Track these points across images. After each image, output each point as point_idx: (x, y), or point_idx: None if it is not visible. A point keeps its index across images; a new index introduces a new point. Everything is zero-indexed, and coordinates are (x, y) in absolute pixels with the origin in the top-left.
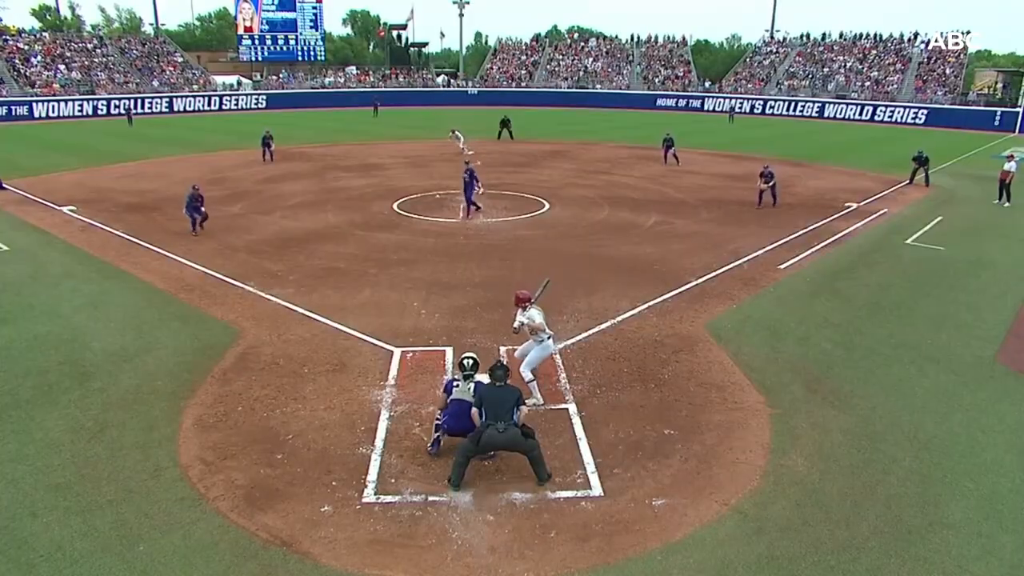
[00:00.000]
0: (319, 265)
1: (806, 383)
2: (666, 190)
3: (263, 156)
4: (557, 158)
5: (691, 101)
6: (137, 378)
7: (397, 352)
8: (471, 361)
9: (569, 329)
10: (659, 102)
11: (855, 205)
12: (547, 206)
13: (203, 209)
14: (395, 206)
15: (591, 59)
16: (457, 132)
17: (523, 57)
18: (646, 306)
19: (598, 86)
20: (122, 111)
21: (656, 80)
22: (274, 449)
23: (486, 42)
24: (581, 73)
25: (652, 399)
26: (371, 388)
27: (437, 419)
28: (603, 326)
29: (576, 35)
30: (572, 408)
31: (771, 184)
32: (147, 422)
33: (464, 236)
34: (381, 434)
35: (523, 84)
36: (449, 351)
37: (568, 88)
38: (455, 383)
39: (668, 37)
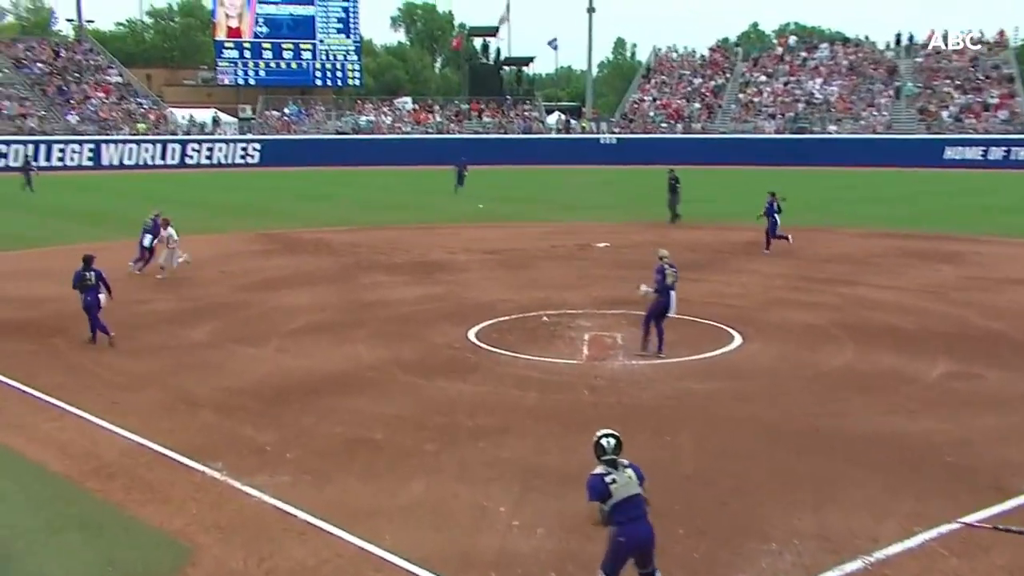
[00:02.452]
0: (339, 435)
1: None
2: (965, 314)
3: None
4: (756, 255)
5: (1016, 151)
6: None
7: None
8: (613, 440)
9: (784, 568)
10: (949, 153)
11: None
12: (738, 340)
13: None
14: (471, 334)
15: (819, 80)
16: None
17: (696, 80)
18: (934, 534)
19: (832, 127)
20: (13, 163)
21: (944, 113)
22: None
23: (633, 55)
24: (801, 105)
25: None
26: None
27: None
28: (849, 568)
29: (793, 39)
30: None
31: None
32: None
33: (590, 389)
34: None
35: (696, 126)
36: None
37: (776, 132)
38: (606, 477)
39: (965, 34)
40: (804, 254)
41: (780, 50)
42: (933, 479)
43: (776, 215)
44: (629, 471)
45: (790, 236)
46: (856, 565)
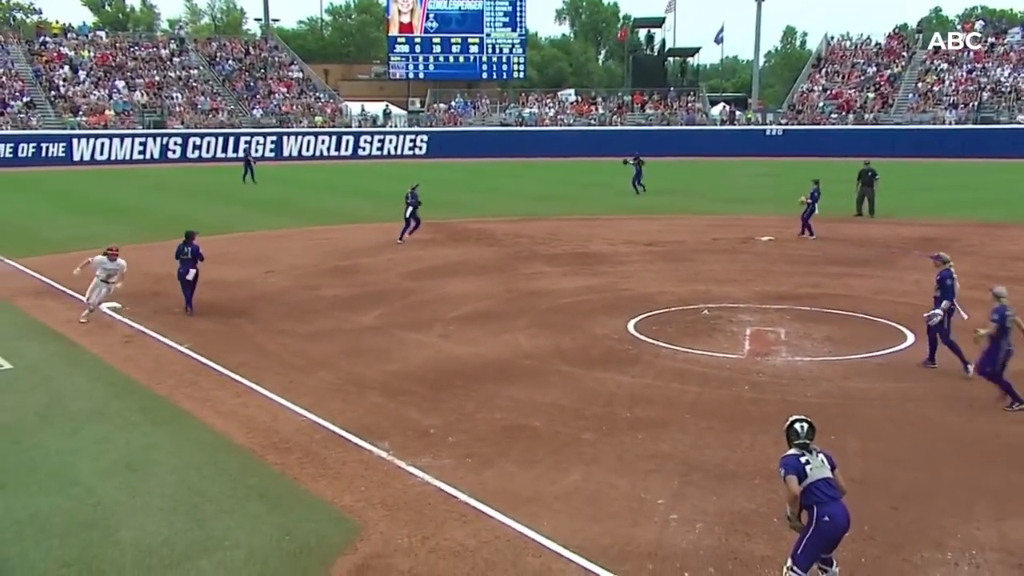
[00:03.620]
0: (499, 421)
1: None
2: None
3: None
4: (933, 250)
5: None
6: None
7: None
8: (806, 426)
9: None
10: None
11: None
12: (911, 339)
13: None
14: (631, 326)
15: (1009, 67)
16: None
17: (870, 69)
18: None
19: (1021, 117)
20: (205, 154)
21: None
22: None
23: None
24: (986, 94)
25: None
26: None
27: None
28: None
29: (978, 23)
30: None
31: None
32: None
33: (752, 385)
34: None
35: (869, 117)
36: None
37: (958, 123)
38: (801, 458)
39: None
40: (988, 251)
41: (963, 34)
42: None
43: (815, 203)
44: (821, 456)
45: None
46: None
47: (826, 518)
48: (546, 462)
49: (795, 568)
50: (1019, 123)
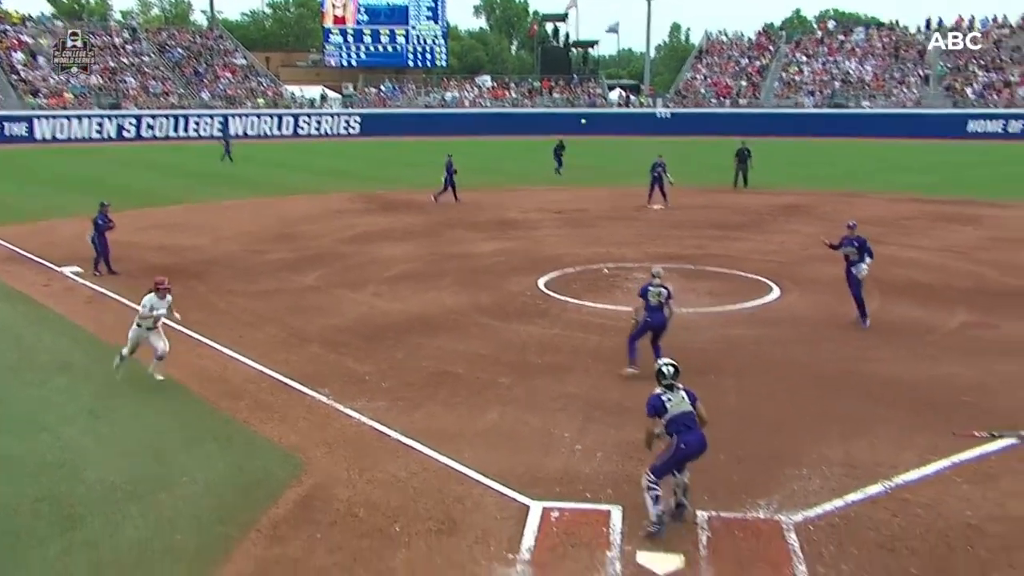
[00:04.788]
0: (426, 368)
1: None
2: (984, 271)
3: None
4: (795, 216)
5: None
6: (146, 528)
7: (536, 508)
8: (672, 368)
9: (812, 490)
10: (972, 126)
11: None
12: (777, 292)
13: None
14: (542, 284)
15: (855, 60)
16: None
17: (744, 60)
18: (949, 463)
19: (866, 103)
20: (158, 133)
21: (969, 90)
22: None
23: (687, 39)
24: (838, 84)
25: None
26: (494, 563)
27: (651, 483)
28: (871, 491)
29: (832, 24)
30: None
31: None
32: None
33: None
34: None
35: (743, 102)
36: (616, 512)
37: (816, 107)
38: (663, 396)
39: (990, 20)
40: (840, 217)
41: (820, 34)
42: (950, 417)
43: (662, 177)
44: (682, 393)
45: (657, 205)
46: (877, 489)
47: (683, 445)
48: (468, 403)
49: (650, 474)
50: (864, 108)
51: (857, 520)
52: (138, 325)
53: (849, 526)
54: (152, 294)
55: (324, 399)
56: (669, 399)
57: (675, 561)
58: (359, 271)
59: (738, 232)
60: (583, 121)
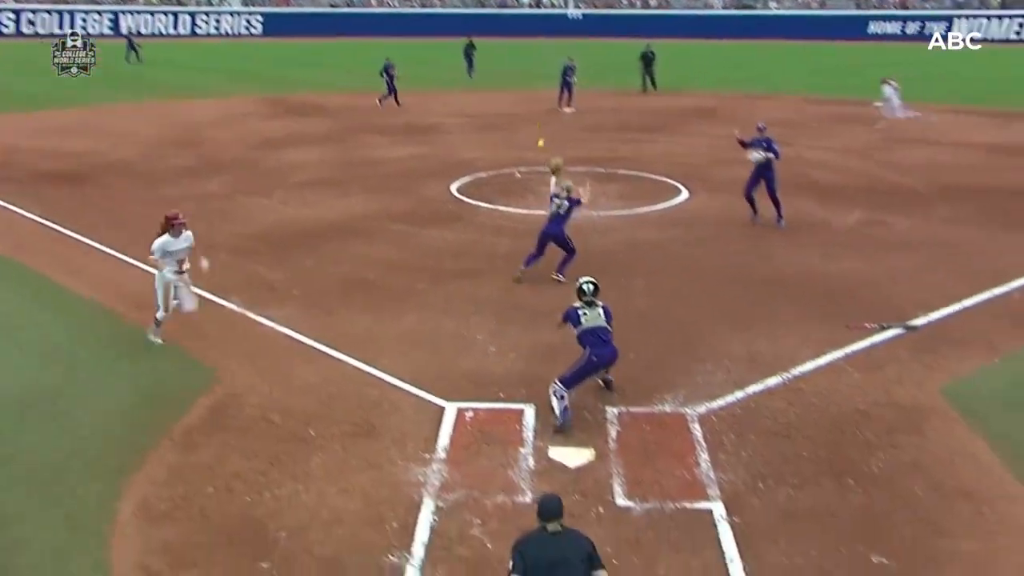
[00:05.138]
0: (338, 275)
1: None
2: (880, 171)
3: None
4: (704, 119)
5: (928, 25)
6: (58, 440)
7: (451, 409)
8: (592, 286)
9: (716, 384)
10: (873, 28)
11: None
12: (685, 194)
13: None
14: (454, 189)
15: None
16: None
17: None
18: (842, 354)
19: (773, 4)
20: (40, 30)
21: None
22: (258, 554)
23: None
24: None
25: (851, 505)
26: (410, 463)
27: (557, 390)
28: (770, 383)
29: None
30: (718, 510)
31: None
32: (66, 509)
33: None
34: (423, 535)
35: (653, 3)
36: (529, 410)
37: (724, 8)
38: (580, 310)
39: None
40: (749, 119)
41: None
42: (845, 310)
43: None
44: (599, 309)
45: (568, 108)
46: (776, 380)
47: (594, 358)
48: (382, 309)
49: (559, 383)
50: (771, 9)
51: (756, 410)
52: (159, 271)
53: (749, 416)
54: (164, 235)
55: (234, 307)
56: (585, 313)
57: (585, 455)
58: (266, 177)
59: (648, 135)
60: (575, 15)
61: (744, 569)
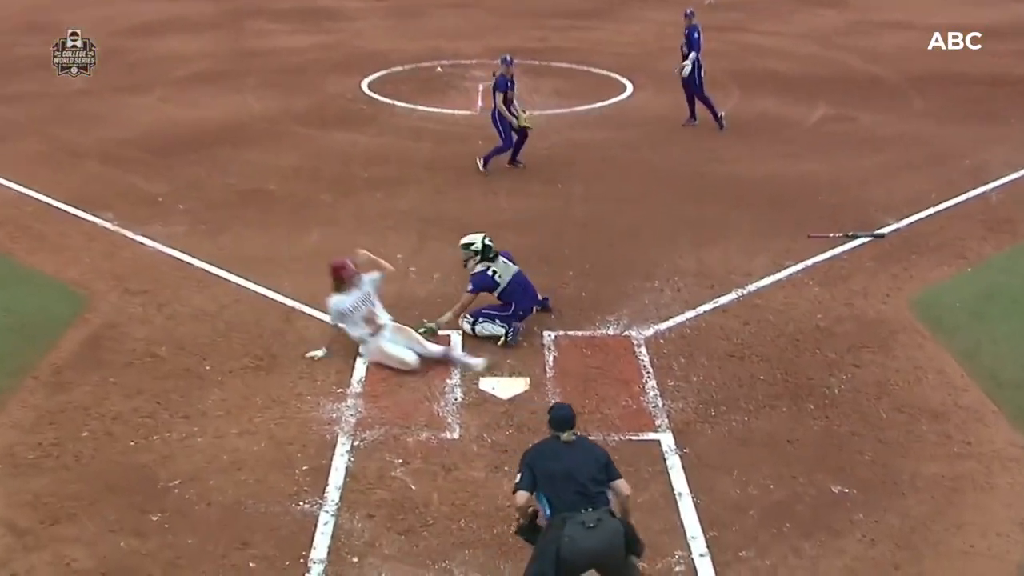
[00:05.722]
0: (232, 186)
1: None
2: (846, 58)
3: None
4: (650, 2)
5: None
6: None
7: None
8: (488, 244)
9: (663, 303)
10: None
11: None
12: (629, 88)
13: None
14: (365, 85)
15: None
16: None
17: None
18: (801, 267)
19: None
20: None
21: None
22: (147, 505)
23: None
24: None
25: (810, 430)
26: (321, 398)
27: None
28: (723, 300)
29: None
30: (666, 440)
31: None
32: None
33: (484, 140)
34: (337, 478)
35: None
36: (457, 337)
37: None
38: (488, 271)
39: None
40: (699, 3)
41: None
42: (805, 217)
43: None
44: (502, 258)
45: None
46: (731, 297)
47: (520, 312)
48: (284, 224)
49: (465, 318)
50: None
51: (708, 330)
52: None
53: (700, 337)
54: (335, 294)
55: (108, 225)
56: (495, 271)
57: (519, 385)
58: (142, 71)
59: (588, 21)
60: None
61: (695, 503)
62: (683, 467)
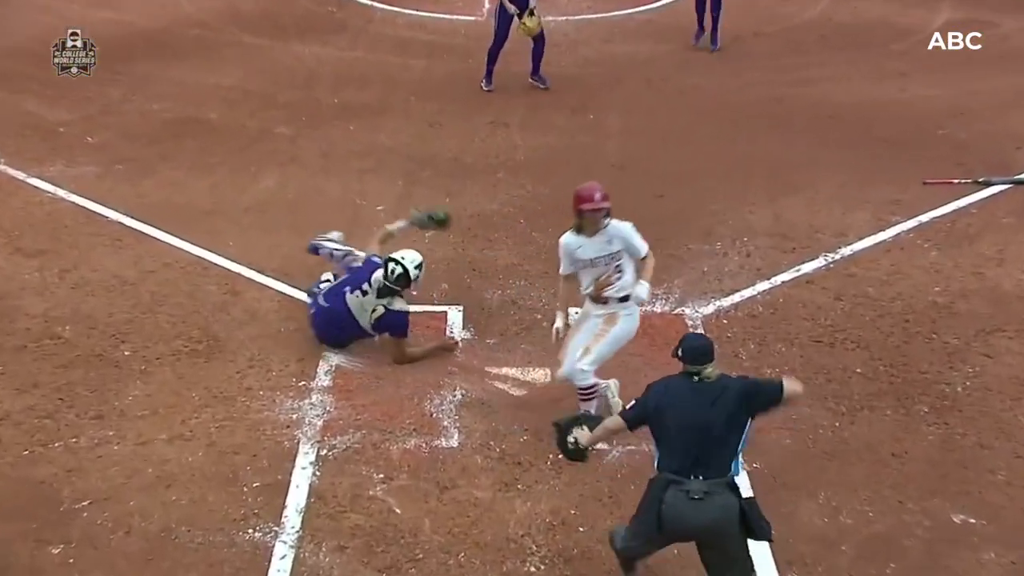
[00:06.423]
0: (159, 114)
1: None
2: None
3: None
4: None
5: None
6: None
7: None
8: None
9: (728, 272)
10: None
11: None
12: None
13: None
14: None
15: None
16: None
17: None
18: (913, 224)
19: None
20: None
21: None
22: (45, 534)
23: None
24: None
25: (923, 441)
26: (277, 394)
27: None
28: (807, 268)
29: None
30: None
31: None
32: None
33: None
34: (298, 499)
35: None
36: (456, 314)
37: None
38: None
39: None
40: None
41: None
42: (920, 159)
43: None
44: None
45: None
46: (817, 264)
47: None
48: (228, 165)
49: None
50: None
51: (787, 308)
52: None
53: (776, 316)
54: (569, 232)
55: None
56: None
57: (538, 375)
58: None
59: None
60: None
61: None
62: (752, 486)
